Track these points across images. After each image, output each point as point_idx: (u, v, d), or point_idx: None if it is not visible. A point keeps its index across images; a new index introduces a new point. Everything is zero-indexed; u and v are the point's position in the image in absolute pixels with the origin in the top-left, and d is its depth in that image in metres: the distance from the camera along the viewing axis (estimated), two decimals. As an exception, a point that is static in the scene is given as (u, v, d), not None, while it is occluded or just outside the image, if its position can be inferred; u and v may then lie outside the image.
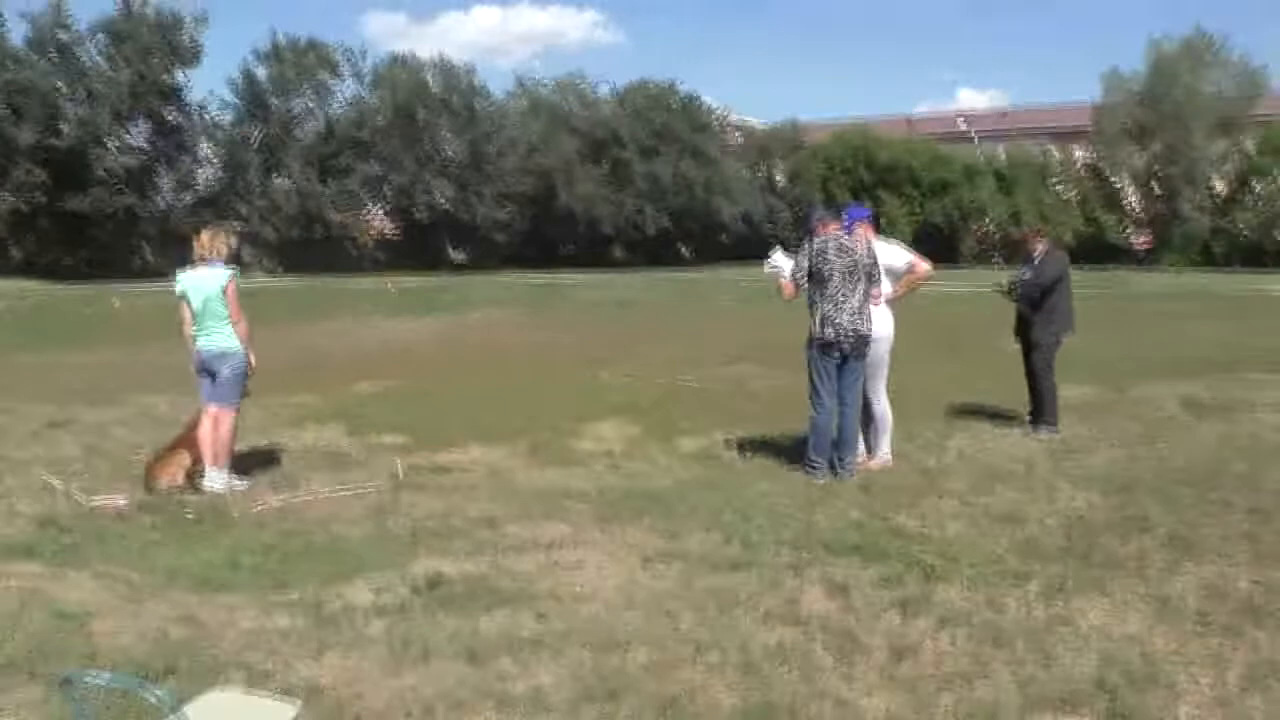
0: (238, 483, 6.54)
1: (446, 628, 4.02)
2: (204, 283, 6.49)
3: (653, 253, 43.42)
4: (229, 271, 6.52)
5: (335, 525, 5.77)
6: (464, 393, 10.65)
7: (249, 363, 6.62)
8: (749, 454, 7.46)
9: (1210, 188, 43.53)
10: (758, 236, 47.60)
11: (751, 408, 9.41)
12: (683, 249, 46.66)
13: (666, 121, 43.37)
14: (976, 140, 56.97)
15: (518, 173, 38.96)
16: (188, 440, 6.63)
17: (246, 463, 6.99)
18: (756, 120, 52.40)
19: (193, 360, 6.62)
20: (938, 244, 46.52)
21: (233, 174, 37.56)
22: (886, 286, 6.77)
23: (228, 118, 37.89)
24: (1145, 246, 45.27)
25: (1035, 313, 8.12)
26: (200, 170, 37.24)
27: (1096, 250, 44.64)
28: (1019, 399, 8.57)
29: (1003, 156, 47.27)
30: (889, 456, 7.05)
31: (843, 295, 6.41)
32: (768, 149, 49.51)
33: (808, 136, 50.52)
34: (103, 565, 4.89)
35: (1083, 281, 11.07)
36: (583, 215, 40.91)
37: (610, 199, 40.84)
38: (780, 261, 6.91)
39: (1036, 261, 8.17)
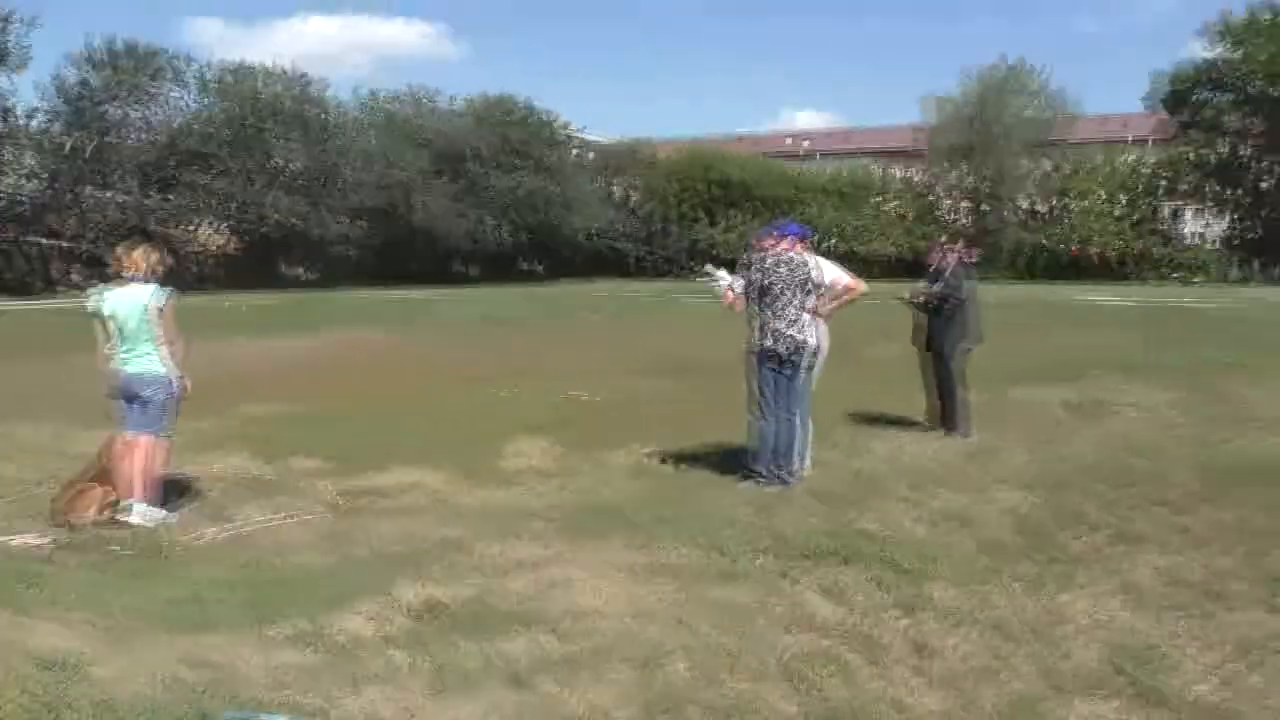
0: (162, 515, 6.13)
1: (473, 653, 3.90)
2: (132, 302, 6.07)
3: (504, 268, 43.13)
4: (166, 291, 6.13)
5: (292, 554, 5.52)
6: (363, 413, 10.30)
7: (183, 386, 6.23)
8: (681, 466, 7.55)
9: (1031, 205, 46.74)
10: (608, 252, 48.07)
11: (657, 421, 9.42)
12: (534, 264, 46.53)
13: (518, 136, 43.23)
14: (815, 156, 59.39)
15: (368, 187, 37.94)
16: (100, 471, 6.17)
17: (163, 493, 6.54)
18: (602, 137, 52.96)
19: (110, 385, 6.18)
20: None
21: (50, 185, 35.05)
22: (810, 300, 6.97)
23: (46, 125, 35.31)
24: (971, 261, 48.07)
25: (944, 324, 8.51)
26: (17, 181, 34.47)
27: (917, 266, 47.10)
28: (907, 405, 8.99)
29: (845, 174, 49.28)
30: (809, 464, 7.18)
31: (785, 307, 6.59)
32: (618, 166, 50.03)
33: (656, 154, 51.40)
34: (54, 610, 4.49)
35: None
36: (434, 230, 40.24)
37: (462, 214, 40.33)
38: (719, 275, 7.04)
39: (948, 274, 8.57)
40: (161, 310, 6.06)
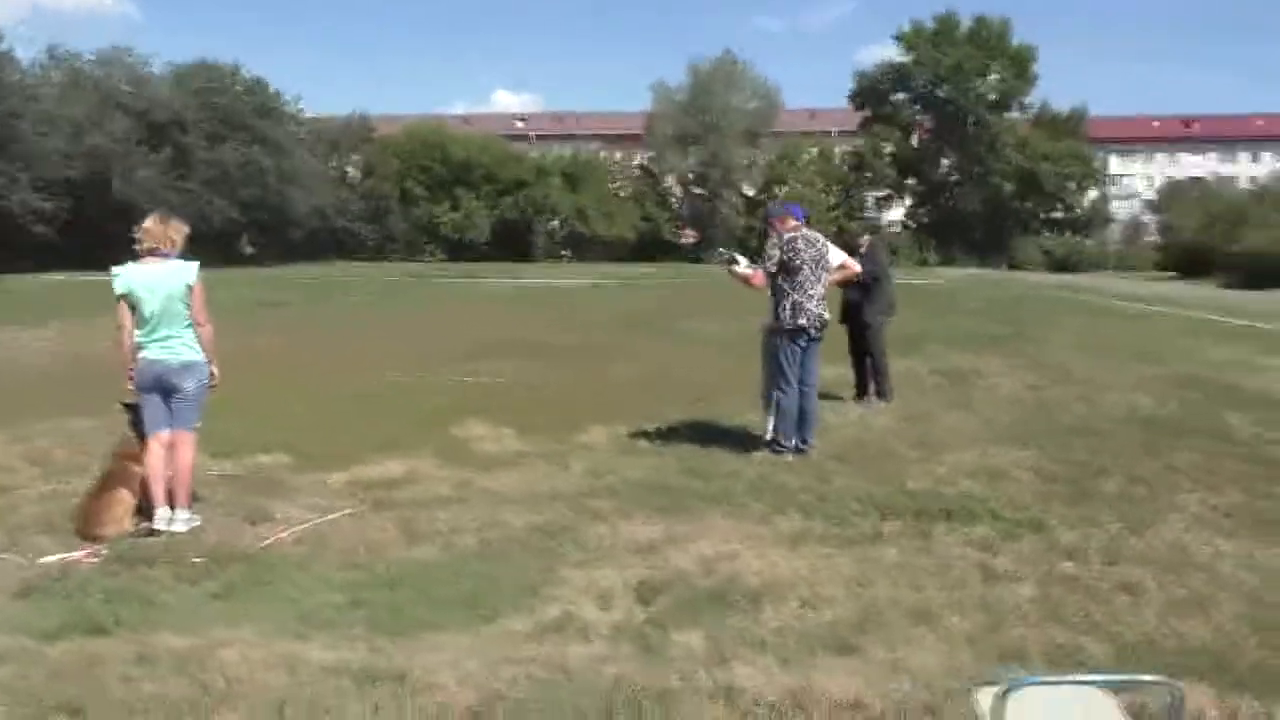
0: (193, 519, 5.41)
1: (767, 628, 3.90)
2: (160, 279, 5.26)
3: (224, 248, 39.93)
4: (194, 265, 5.36)
5: (385, 551, 5.07)
6: (264, 406, 9.34)
7: (212, 375, 5.49)
8: (658, 442, 7.59)
9: (743, 191, 49.91)
10: (329, 230, 45.90)
11: (579, 403, 9.29)
12: (258, 245, 43.52)
13: (232, 106, 40.19)
14: (533, 140, 59.71)
15: (60, 156, 33.74)
16: (123, 475, 5.34)
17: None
18: (315, 112, 50.31)
19: (138, 375, 5.33)
20: (513, 239, 48.32)
21: None
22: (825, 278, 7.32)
23: None
24: (692, 241, 50.70)
25: (866, 298, 9.16)
26: None
27: (653, 245, 49.21)
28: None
29: (574, 157, 50.08)
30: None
31: (810, 284, 6.87)
32: (338, 142, 47.83)
33: (375, 130, 49.73)
34: (226, 628, 3.91)
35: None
36: (140, 206, 36.47)
37: (174, 188, 36.95)
38: (739, 258, 7.21)
39: (863, 253, 9.20)
40: (190, 287, 5.32)
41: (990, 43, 45.98)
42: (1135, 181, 52.18)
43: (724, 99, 47.72)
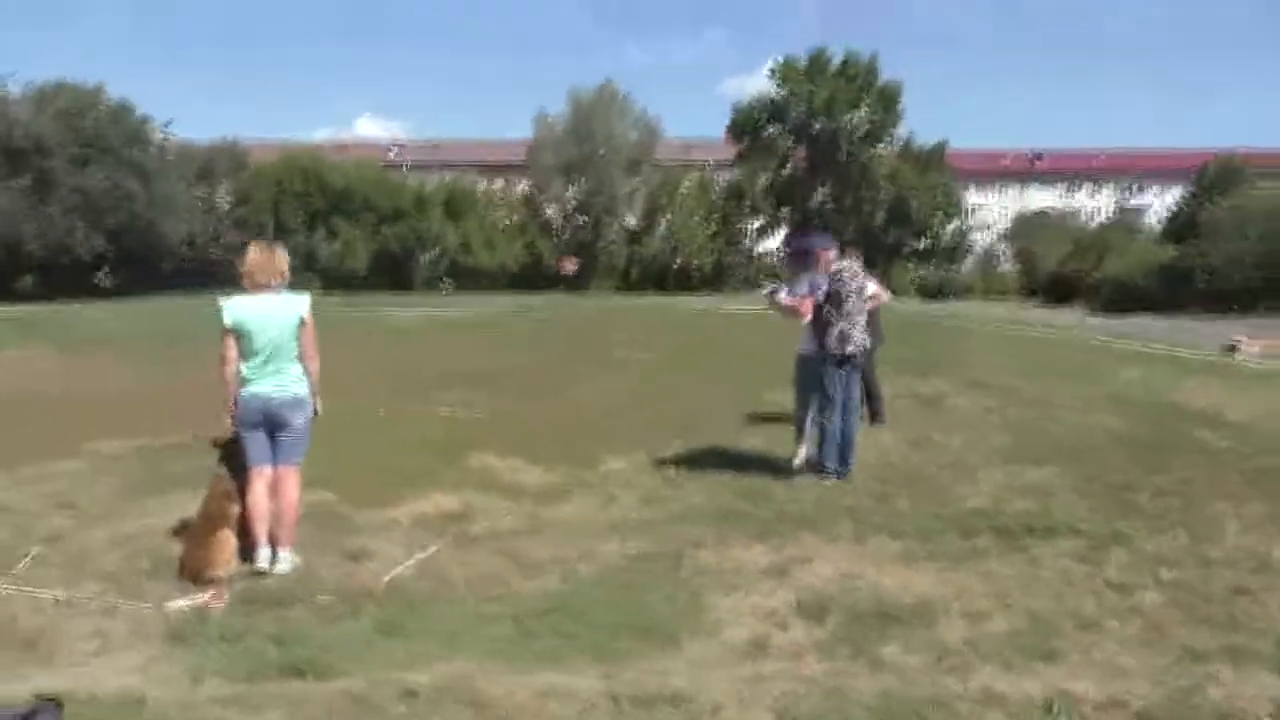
0: (297, 560, 5.29)
1: (932, 643, 4.17)
2: (274, 313, 5.18)
3: (75, 280, 37.73)
4: (306, 298, 5.27)
5: (514, 582, 5.11)
6: None
7: (315, 410, 5.39)
8: (693, 470, 7.76)
9: (625, 221, 50.38)
10: (202, 261, 44.09)
11: (576, 432, 9.38)
12: (116, 277, 41.20)
13: (96, 129, 38.18)
14: (406, 170, 58.84)
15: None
16: (223, 516, 5.18)
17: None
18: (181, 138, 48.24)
19: (243, 409, 5.18)
20: (393, 270, 47.44)
21: None
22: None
23: None
24: (574, 271, 50.76)
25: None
26: None
27: (535, 275, 49.13)
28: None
29: (454, 186, 49.51)
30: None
31: (856, 313, 7.21)
32: (209, 168, 45.97)
33: (248, 156, 48.04)
34: (419, 664, 3.88)
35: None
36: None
37: (35, 215, 34.88)
38: (781, 288, 7.50)
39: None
40: (303, 321, 5.24)
41: (859, 78, 48.04)
42: (990, 212, 55.18)
43: (606, 128, 48.20)
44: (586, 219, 49.61)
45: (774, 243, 52.10)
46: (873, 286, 7.87)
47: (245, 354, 5.17)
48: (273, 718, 3.43)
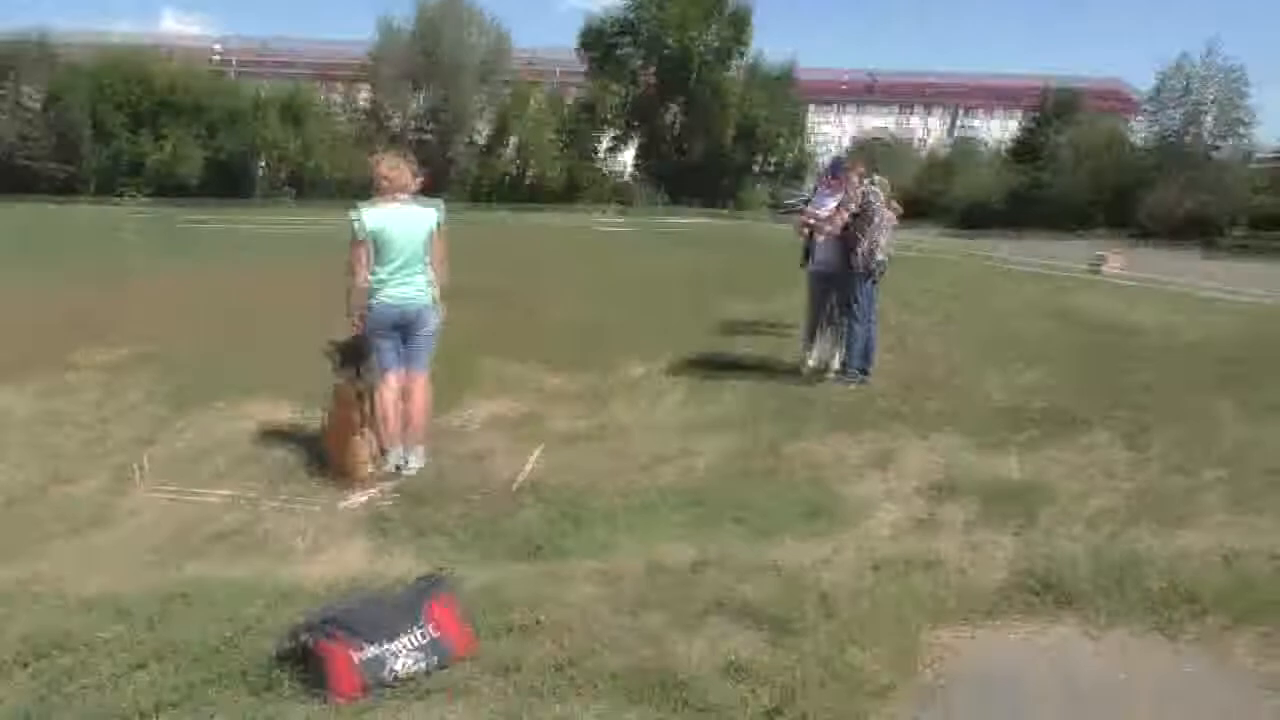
0: (427, 460, 5.40)
1: (1066, 518, 4.76)
2: (409, 221, 5.17)
3: None
4: (438, 207, 5.26)
5: (637, 479, 5.37)
6: (284, 352, 8.75)
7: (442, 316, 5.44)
8: (710, 376, 8.09)
9: (475, 135, 49.26)
10: (8, 167, 40.45)
11: (573, 342, 9.39)
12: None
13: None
14: (235, 71, 55.37)
15: None
16: (352, 422, 5.20)
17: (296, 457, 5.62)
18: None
19: (377, 315, 5.16)
20: (229, 179, 44.94)
21: None
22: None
23: None
24: (423, 186, 49.40)
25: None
26: None
27: (382, 186, 47.50)
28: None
29: (295, 91, 46.97)
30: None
31: (881, 230, 7.67)
32: (12, 66, 41.83)
33: (56, 54, 43.91)
34: (664, 545, 4.15)
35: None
36: None
37: None
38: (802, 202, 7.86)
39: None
40: (437, 228, 5.25)
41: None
42: (829, 133, 57.11)
43: (454, 38, 46.67)
44: (434, 131, 48.23)
45: (626, 158, 52.33)
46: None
47: (381, 261, 5.13)
48: (587, 590, 3.63)
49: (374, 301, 5.17)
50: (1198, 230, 27.07)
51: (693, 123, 49.24)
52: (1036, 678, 3.17)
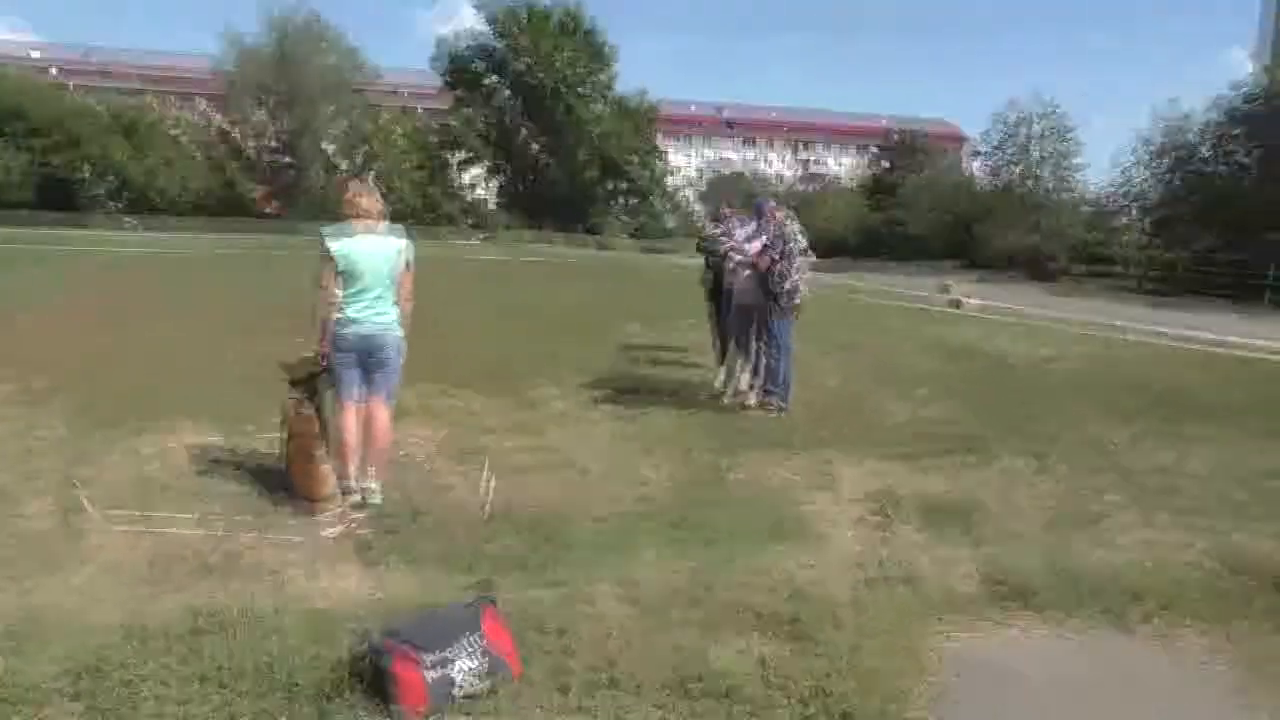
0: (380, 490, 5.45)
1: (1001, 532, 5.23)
2: (379, 250, 5.20)
3: None
4: (407, 239, 5.34)
5: (608, 503, 5.55)
6: (204, 376, 8.51)
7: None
8: (626, 405, 8.36)
9: (332, 159, 48.28)
10: None
11: (466, 369, 9.51)
12: None
13: None
14: (71, 87, 52.59)
15: None
16: (311, 447, 5.20)
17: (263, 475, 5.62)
18: None
19: (340, 341, 5.17)
20: (58, 197, 42.49)
21: None
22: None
23: None
24: (276, 210, 47.98)
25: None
26: None
27: (234, 210, 45.89)
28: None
29: (136, 106, 45.04)
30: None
31: (802, 266, 8.11)
32: None
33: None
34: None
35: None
36: None
37: None
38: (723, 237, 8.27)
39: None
40: (407, 261, 5.32)
41: (576, 32, 49.12)
42: (682, 165, 58.70)
43: (312, 59, 45.71)
44: (289, 154, 47.02)
45: (491, 192, 52.21)
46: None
47: (346, 287, 5.15)
48: (609, 606, 3.81)
49: (339, 330, 5.18)
50: (1034, 266, 29.27)
51: (554, 151, 49.73)
52: (1030, 674, 3.52)
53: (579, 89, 48.87)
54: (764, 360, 8.26)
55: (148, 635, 3.42)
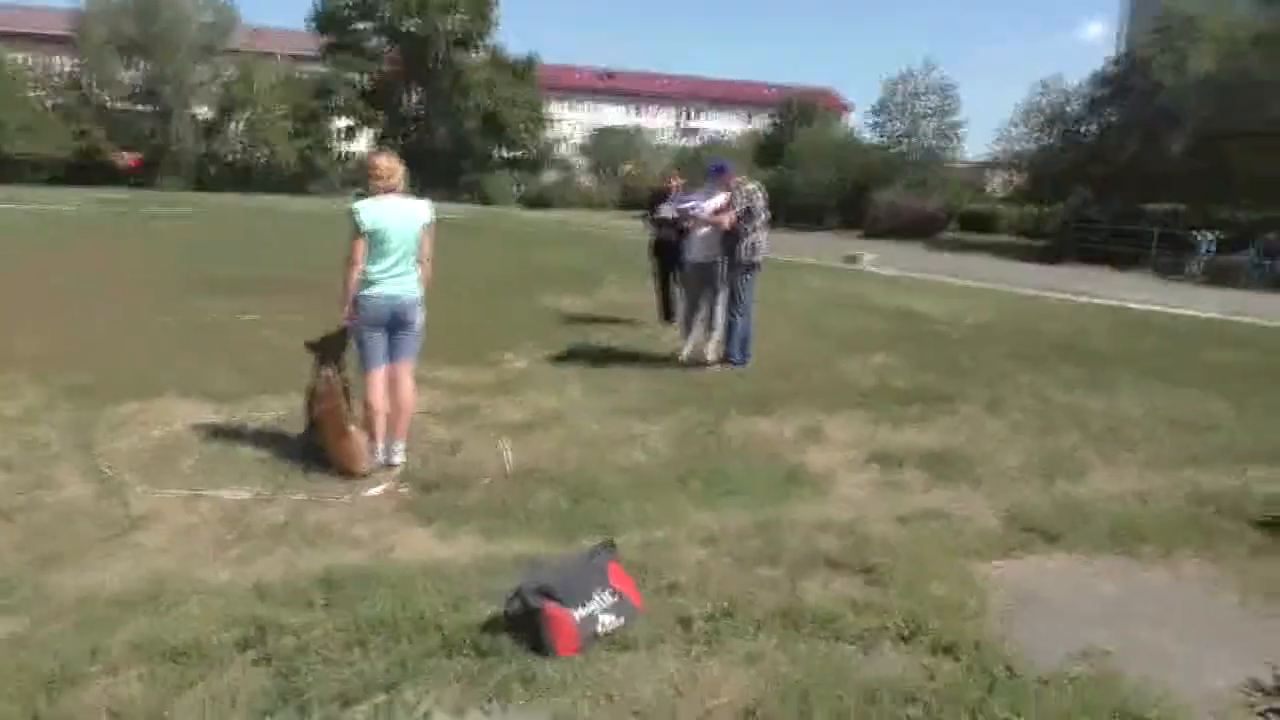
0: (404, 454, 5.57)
1: (1006, 470, 5.71)
2: (406, 217, 5.24)
3: None
4: (428, 203, 5.39)
5: (615, 455, 5.77)
6: (144, 346, 8.24)
7: None
8: (594, 367, 8.56)
9: (196, 114, 46.06)
10: None
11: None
12: None
13: None
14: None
15: None
16: (342, 414, 5.28)
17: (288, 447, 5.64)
18: None
19: (369, 310, 5.22)
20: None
21: None
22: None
23: None
24: (136, 166, 45.64)
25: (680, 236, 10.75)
26: None
27: (90, 169, 43.49)
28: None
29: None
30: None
31: (763, 227, 8.41)
32: None
33: None
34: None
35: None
36: None
37: None
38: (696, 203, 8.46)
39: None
40: (428, 226, 5.40)
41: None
42: (565, 126, 58.30)
43: (174, 6, 43.38)
44: (152, 108, 44.64)
45: (363, 144, 50.69)
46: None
47: (376, 256, 5.18)
48: (698, 552, 4.07)
49: (367, 297, 5.22)
50: (920, 228, 30.55)
51: (435, 108, 48.69)
52: (1071, 596, 3.96)
53: (457, 41, 47.83)
54: (724, 317, 8.55)
55: (282, 596, 3.51)
